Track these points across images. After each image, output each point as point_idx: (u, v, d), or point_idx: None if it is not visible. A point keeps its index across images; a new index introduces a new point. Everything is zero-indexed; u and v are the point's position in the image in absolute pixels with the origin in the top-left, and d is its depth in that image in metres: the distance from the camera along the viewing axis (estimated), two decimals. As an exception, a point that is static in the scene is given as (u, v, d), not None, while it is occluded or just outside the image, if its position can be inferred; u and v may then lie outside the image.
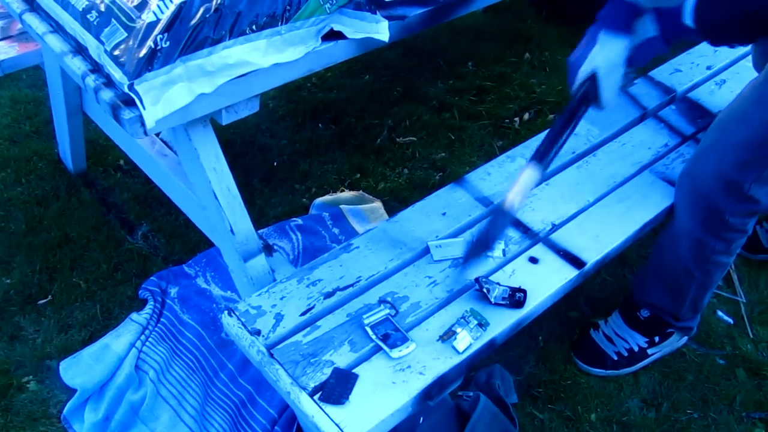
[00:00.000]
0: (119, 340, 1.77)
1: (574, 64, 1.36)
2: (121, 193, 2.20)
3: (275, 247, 2.00)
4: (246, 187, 2.22)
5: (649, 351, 1.80)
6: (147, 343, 1.77)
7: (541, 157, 1.31)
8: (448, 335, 1.28)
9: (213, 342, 1.78)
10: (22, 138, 2.36)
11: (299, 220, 2.08)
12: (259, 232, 2.03)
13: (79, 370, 1.72)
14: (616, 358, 1.79)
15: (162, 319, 1.84)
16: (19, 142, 2.34)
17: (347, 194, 2.18)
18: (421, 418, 1.58)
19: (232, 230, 1.36)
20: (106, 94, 1.14)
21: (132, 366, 1.72)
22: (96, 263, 1.98)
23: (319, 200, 2.16)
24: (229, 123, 1.29)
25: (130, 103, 1.12)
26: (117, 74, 1.09)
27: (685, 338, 1.84)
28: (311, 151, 2.37)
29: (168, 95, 1.11)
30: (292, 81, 1.32)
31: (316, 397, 1.17)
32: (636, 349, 1.78)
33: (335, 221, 2.10)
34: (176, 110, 1.12)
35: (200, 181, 1.34)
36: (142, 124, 1.09)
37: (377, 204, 2.15)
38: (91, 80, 1.16)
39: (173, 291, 1.90)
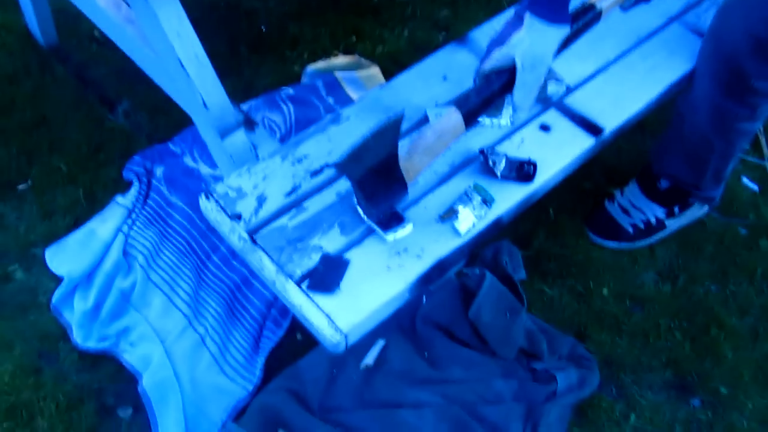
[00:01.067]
0: (105, 224, 1.68)
1: (492, 44, 1.08)
2: (98, 67, 2.03)
3: (266, 121, 1.86)
4: (232, 55, 2.05)
5: (667, 222, 1.68)
6: (134, 227, 1.68)
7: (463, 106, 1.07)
8: (448, 214, 1.16)
9: (204, 224, 1.68)
10: (-15, 9, 2.16)
11: (291, 90, 1.92)
12: (247, 103, 1.90)
13: (65, 257, 1.64)
14: (631, 231, 1.68)
15: (149, 201, 1.74)
16: (-18, 14, 2.15)
17: (342, 59, 2.00)
18: (424, 298, 1.51)
19: (204, 104, 1.22)
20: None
21: (120, 252, 1.64)
22: (76, 144, 1.85)
23: (311, 67, 1.99)
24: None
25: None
26: None
27: (707, 207, 1.72)
28: (302, 12, 2.16)
29: (108, -57, 0.93)
30: None
31: (303, 285, 1.07)
32: (653, 221, 1.67)
33: (330, 90, 1.93)
34: (120, -38, 0.95)
35: (164, 49, 1.18)
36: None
37: (374, 70, 1.98)
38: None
39: (159, 171, 1.79)
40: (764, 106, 1.41)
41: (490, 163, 1.20)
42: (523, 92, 1.06)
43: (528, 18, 1.03)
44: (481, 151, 1.21)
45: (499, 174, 1.20)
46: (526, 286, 1.60)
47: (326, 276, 1.07)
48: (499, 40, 1.07)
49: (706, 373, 1.53)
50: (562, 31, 1.04)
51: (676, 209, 1.68)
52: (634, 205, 1.69)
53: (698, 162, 1.56)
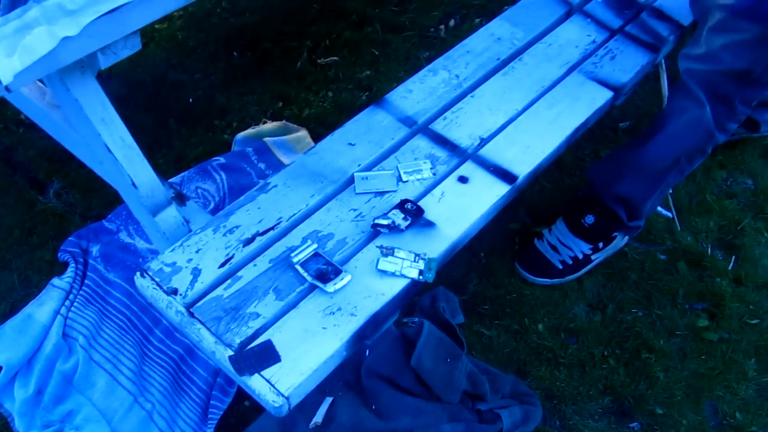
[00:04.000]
0: (42, 308, 1.67)
1: None
2: (26, 150, 2.03)
3: (199, 191, 1.89)
4: (162, 128, 2.08)
5: (593, 256, 1.77)
6: (73, 309, 1.68)
7: None
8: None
9: (144, 299, 1.68)
10: None
11: (222, 159, 1.96)
12: (179, 176, 1.93)
13: (2, 345, 1.62)
14: (560, 266, 1.76)
15: (86, 281, 1.74)
16: None
17: (270, 125, 2.06)
18: (367, 351, 1.54)
19: (133, 184, 1.25)
20: (-46, 49, 0.98)
21: (59, 334, 1.62)
22: (8, 229, 1.84)
23: (240, 135, 2.04)
24: (114, 63, 1.15)
25: (-16, 56, 0.97)
26: (-42, 25, 0.94)
27: (627, 238, 1.82)
28: (228, 82, 2.22)
29: (26, 43, 0.97)
30: (199, 8, 1.17)
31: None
32: (580, 256, 1.76)
33: (260, 155, 1.98)
34: (39, 59, 0.98)
35: (90, 135, 1.21)
36: (0, 79, 0.95)
37: (303, 132, 2.04)
38: (-65, 33, 1.00)
39: (95, 249, 1.79)
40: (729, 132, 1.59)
41: (389, 227, 1.26)
42: None
43: None
44: (373, 226, 1.26)
45: (403, 227, 1.26)
46: (464, 329, 1.66)
47: (262, 358, 1.10)
48: None
49: (641, 396, 1.60)
50: None
51: (601, 244, 1.77)
52: (561, 242, 1.78)
53: (657, 180, 1.66)
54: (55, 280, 1.72)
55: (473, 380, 1.53)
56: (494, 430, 1.48)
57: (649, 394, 1.60)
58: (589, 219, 1.75)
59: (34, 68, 0.99)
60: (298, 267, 1.20)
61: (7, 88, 0.98)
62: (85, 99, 1.15)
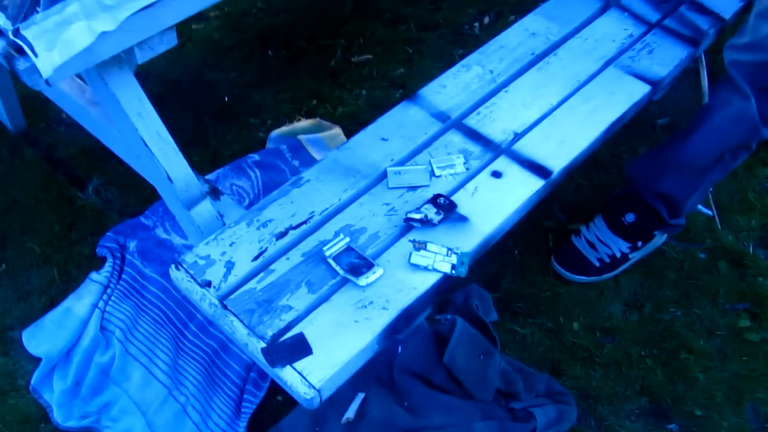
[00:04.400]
0: (81, 302, 1.70)
1: None
2: (66, 148, 2.07)
3: (234, 188, 1.91)
4: (198, 126, 2.10)
5: (631, 255, 1.74)
6: (110, 302, 1.70)
7: None
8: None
9: (179, 293, 1.70)
10: (-47, 100, 2.21)
11: (256, 156, 1.98)
12: (214, 172, 1.95)
13: (42, 338, 1.65)
14: (597, 264, 1.74)
15: (123, 276, 1.77)
16: (-49, 105, 2.20)
17: (304, 123, 2.07)
18: (400, 347, 1.54)
19: (169, 178, 1.27)
20: (-3, 44, 1.01)
21: (97, 327, 1.65)
22: (48, 225, 1.88)
23: (275, 132, 2.05)
24: (151, 60, 1.17)
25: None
26: (0, 20, 0.97)
27: (666, 236, 1.78)
28: (263, 81, 2.24)
29: (65, 37, 0.99)
30: (235, 8, 1.19)
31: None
32: (618, 254, 1.73)
33: (294, 153, 1.99)
34: (78, 53, 1.00)
35: (127, 129, 1.23)
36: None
37: (336, 130, 2.04)
38: (-21, 29, 1.03)
39: (132, 245, 1.82)
40: None
41: (422, 221, 1.25)
42: None
43: None
44: (406, 220, 1.26)
45: (436, 222, 1.25)
46: (498, 327, 1.64)
47: (294, 350, 1.10)
48: None
49: (680, 397, 1.57)
50: None
51: (640, 243, 1.74)
52: (600, 239, 1.75)
53: (697, 177, 1.62)
54: (93, 275, 1.75)
55: (506, 378, 1.51)
56: (528, 428, 1.46)
57: (687, 395, 1.57)
58: (630, 217, 1.71)
59: (73, 62, 1.01)
60: (330, 260, 1.21)
61: (47, 82, 1.00)
62: (122, 93, 1.17)
